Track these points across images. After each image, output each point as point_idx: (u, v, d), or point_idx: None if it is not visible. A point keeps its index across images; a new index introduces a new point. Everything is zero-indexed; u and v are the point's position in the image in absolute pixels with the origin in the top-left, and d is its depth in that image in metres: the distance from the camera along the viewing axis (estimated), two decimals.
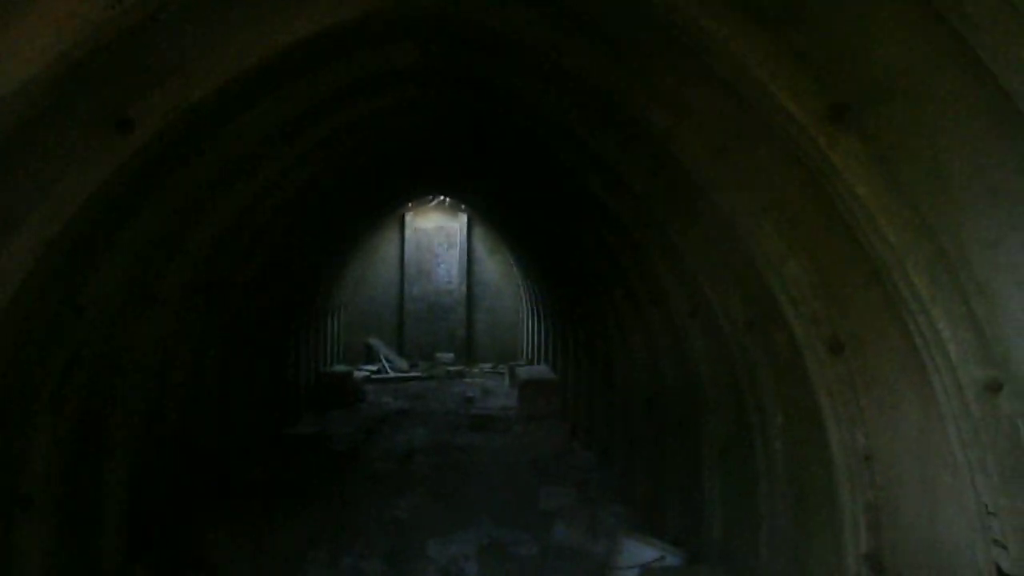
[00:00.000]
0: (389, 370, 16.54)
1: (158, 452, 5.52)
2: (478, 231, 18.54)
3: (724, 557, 5.12)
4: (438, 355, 17.76)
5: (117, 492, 4.67)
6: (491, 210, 14.44)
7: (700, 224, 4.10)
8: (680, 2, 2.28)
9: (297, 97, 4.41)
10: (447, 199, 17.37)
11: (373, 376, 15.82)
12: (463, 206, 17.51)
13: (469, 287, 18.60)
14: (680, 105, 3.17)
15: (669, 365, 6.20)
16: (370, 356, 17.19)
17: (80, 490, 4.27)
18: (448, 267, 18.51)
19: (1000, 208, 2.08)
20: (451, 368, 16.99)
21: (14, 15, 1.93)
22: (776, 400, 4.22)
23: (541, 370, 13.65)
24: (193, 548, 5.68)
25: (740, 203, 3.33)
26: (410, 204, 17.44)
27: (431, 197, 17.16)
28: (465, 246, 18.55)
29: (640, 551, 5.62)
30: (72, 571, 4.17)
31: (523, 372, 13.68)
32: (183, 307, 5.35)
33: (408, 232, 18.40)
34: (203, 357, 6.55)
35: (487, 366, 17.58)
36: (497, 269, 18.65)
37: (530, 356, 16.60)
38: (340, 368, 14.53)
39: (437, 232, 18.47)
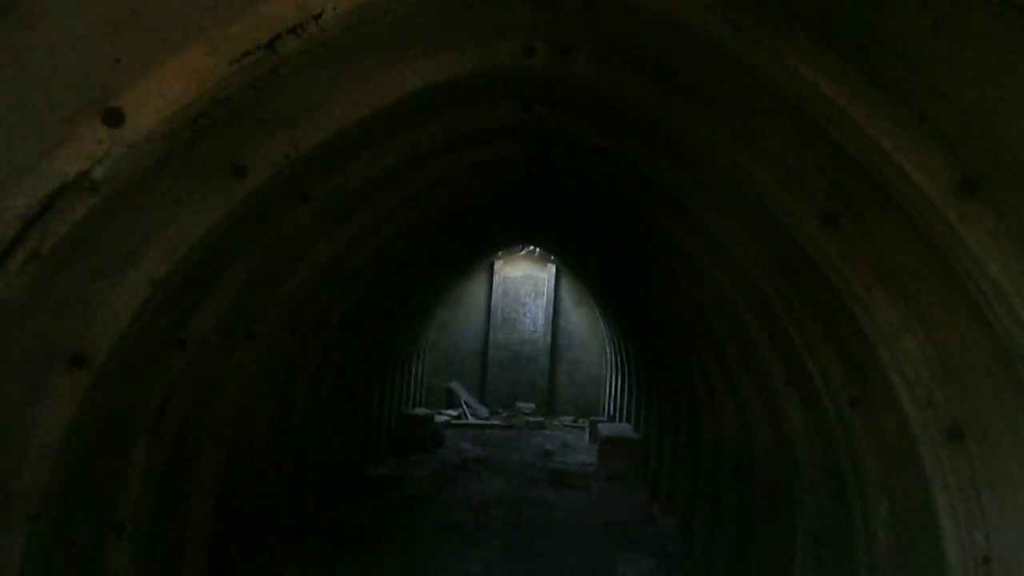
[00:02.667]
0: (469, 416, 16.53)
1: (240, 485, 5.62)
2: (565, 282, 18.51)
3: None
4: (519, 404, 17.65)
5: (201, 522, 4.76)
6: (579, 262, 14.38)
7: (807, 294, 3.90)
8: (798, 66, 2.19)
9: (399, 148, 4.52)
10: (536, 249, 17.47)
11: (453, 421, 15.84)
12: (552, 257, 17.55)
13: (553, 338, 18.51)
14: (789, 171, 3.04)
15: (761, 435, 5.89)
16: (451, 401, 17.25)
17: (168, 519, 4.37)
18: (534, 316, 18.51)
19: None
20: (531, 418, 16.83)
21: (145, 71, 2.03)
22: (881, 487, 3.90)
23: (623, 428, 13.31)
24: None
25: (851, 274, 3.14)
26: (499, 253, 17.62)
27: (521, 247, 17.30)
28: (552, 296, 18.53)
29: None
30: None
31: (604, 428, 13.37)
32: (275, 345, 5.49)
33: (496, 280, 18.55)
34: (290, 395, 6.70)
35: (567, 419, 17.32)
36: (582, 321, 18.51)
37: (612, 412, 16.25)
38: (421, 411, 14.62)
39: (525, 281, 18.55)
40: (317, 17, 2.09)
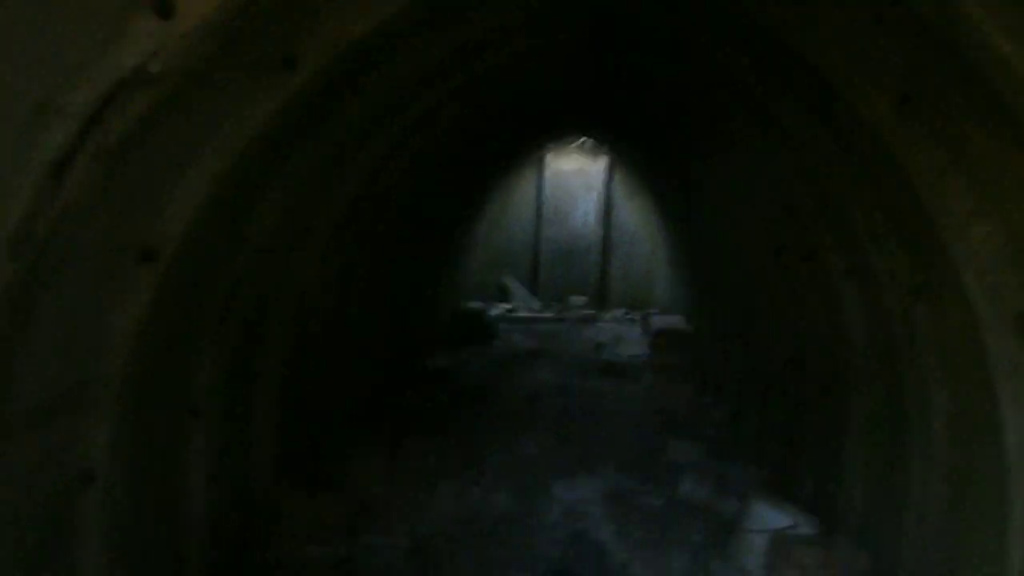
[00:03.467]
0: (522, 309, 16.78)
1: (304, 376, 5.90)
2: (618, 175, 18.15)
3: (862, 534, 4.85)
4: (571, 298, 17.79)
5: (269, 406, 5.04)
6: (633, 154, 14.06)
7: (875, 179, 3.75)
8: None
9: (448, 39, 4.40)
10: (588, 141, 17.08)
11: (506, 314, 16.11)
12: (604, 148, 17.16)
13: (606, 231, 18.37)
14: (859, 47, 2.85)
15: (816, 326, 5.84)
16: (504, 295, 17.48)
17: (238, 405, 4.64)
18: (585, 210, 18.33)
19: None
20: (583, 311, 16.99)
21: None
22: (941, 377, 3.86)
23: (674, 320, 13.36)
24: (332, 467, 6.08)
25: (923, 158, 3.00)
26: (550, 145, 17.30)
27: (572, 139, 16.93)
28: (604, 190, 18.25)
29: (771, 515, 5.44)
30: (232, 477, 4.57)
31: (656, 321, 13.47)
32: (333, 241, 5.60)
33: (547, 173, 18.31)
34: (348, 289, 6.88)
35: (619, 312, 17.43)
36: (635, 215, 18.26)
37: (664, 305, 16.28)
38: (475, 305, 14.89)
39: (576, 174, 18.27)
40: None
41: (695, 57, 4.70)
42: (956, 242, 3.03)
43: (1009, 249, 2.98)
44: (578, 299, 17.74)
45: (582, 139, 16.87)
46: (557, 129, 13.91)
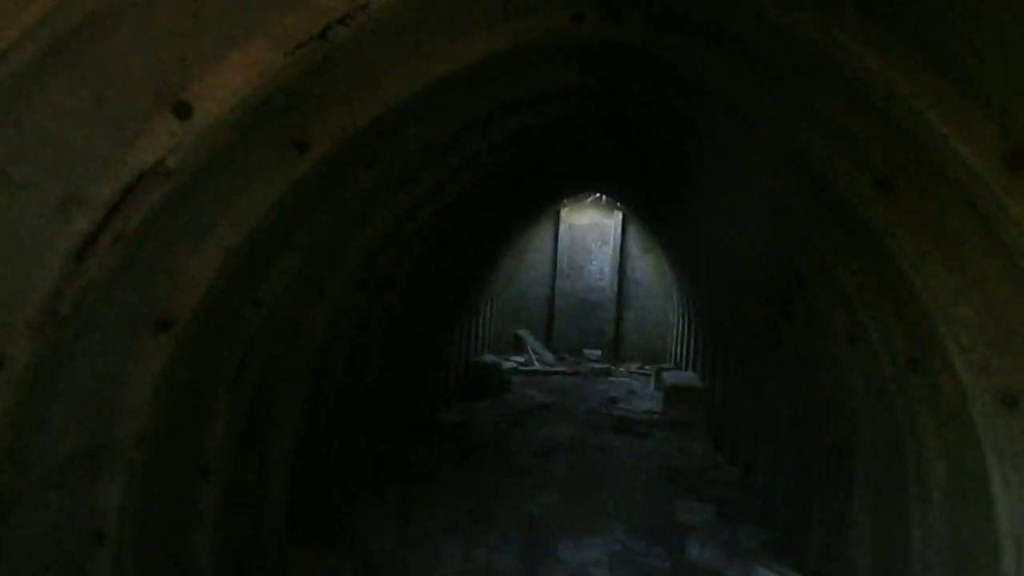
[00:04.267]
0: (536, 363, 16.83)
1: (316, 433, 6.01)
2: (632, 229, 18.36)
3: None
4: (585, 351, 17.83)
5: (280, 464, 5.14)
6: (646, 210, 14.25)
7: (862, 252, 3.86)
8: (841, 38, 2.17)
9: (458, 115, 4.62)
10: (603, 197, 17.35)
11: (520, 368, 16.17)
12: (618, 204, 17.40)
13: (620, 285, 18.50)
14: (843, 136, 3.00)
15: (822, 390, 5.88)
16: (518, 347, 17.57)
17: (250, 462, 4.75)
18: (600, 264, 18.49)
19: None
20: (597, 365, 17.01)
21: (209, 67, 2.19)
22: (938, 448, 3.90)
23: (688, 376, 13.34)
24: (341, 524, 6.13)
25: (906, 237, 3.11)
26: (566, 200, 17.58)
27: (587, 194, 17.21)
28: (618, 244, 18.44)
29: None
30: (241, 535, 4.65)
31: (669, 377, 13.44)
32: (345, 301, 5.77)
33: (562, 228, 18.56)
34: (361, 345, 7.03)
35: (633, 366, 17.43)
36: (649, 269, 18.39)
37: (678, 360, 16.26)
38: (489, 358, 14.98)
39: (591, 229, 18.50)
40: (364, 7, 2.19)
41: (696, 131, 4.88)
42: (941, 320, 3.11)
43: (994, 329, 3.06)
44: (592, 353, 17.78)
45: (597, 195, 17.14)
46: (573, 186, 14.17)
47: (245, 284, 3.87)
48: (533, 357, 17.07)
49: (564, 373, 16.29)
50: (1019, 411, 3.06)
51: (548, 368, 16.59)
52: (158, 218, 2.55)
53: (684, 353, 15.41)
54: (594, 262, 18.48)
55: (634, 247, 18.52)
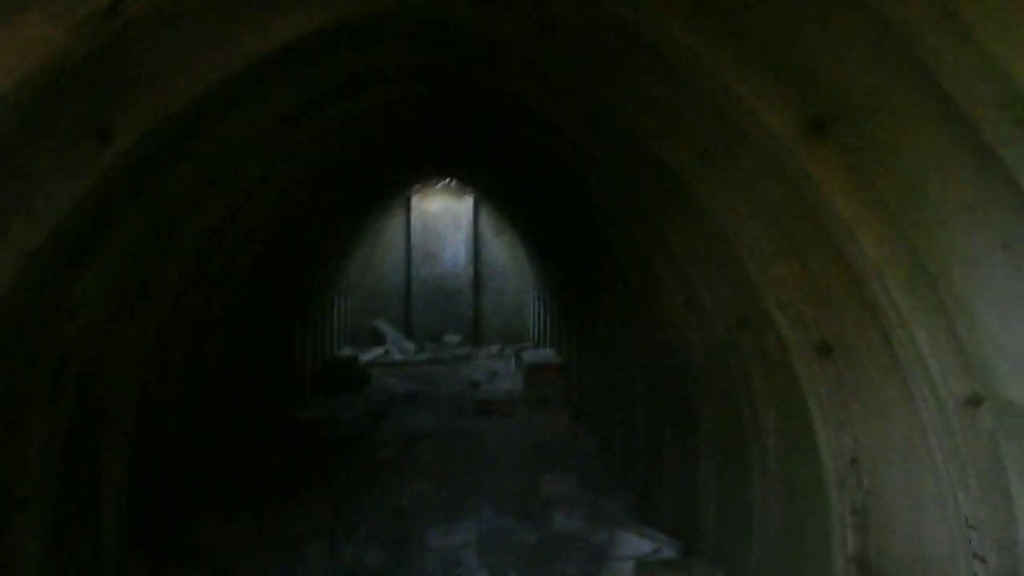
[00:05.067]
0: (396, 353, 16.62)
1: (158, 445, 5.59)
2: (485, 212, 18.48)
3: (718, 550, 5.14)
4: (445, 337, 17.82)
5: (115, 487, 4.73)
6: (497, 192, 14.39)
7: (690, 221, 4.07)
8: (655, 17, 2.24)
9: (288, 95, 4.39)
10: (453, 181, 17.32)
11: (380, 359, 15.90)
12: (469, 188, 17.45)
13: (476, 269, 18.60)
14: (663, 109, 3.12)
15: (666, 356, 6.19)
16: (377, 339, 17.27)
17: (78, 487, 4.33)
18: (455, 249, 18.50)
19: (977, 225, 2.04)
20: (458, 351, 17.05)
21: None
22: (768, 398, 4.21)
23: (546, 354, 13.67)
24: (193, 539, 5.76)
25: (727, 205, 3.30)
26: (417, 187, 17.40)
27: (437, 180, 17.11)
28: (472, 228, 18.51)
29: (637, 542, 5.67)
30: (71, 567, 4.24)
31: (528, 356, 13.72)
32: (179, 299, 5.38)
33: (414, 215, 18.37)
34: (203, 346, 6.60)
35: (494, 348, 17.62)
36: (504, 251, 18.62)
37: (537, 339, 16.63)
38: (347, 352, 14.61)
39: (444, 214, 18.44)
40: None
41: (533, 112, 4.94)
42: (762, 281, 3.33)
43: (807, 285, 3.32)
44: (452, 338, 17.80)
45: (448, 180, 17.09)
46: (423, 171, 14.03)
47: (54, 291, 3.49)
48: (393, 348, 16.84)
49: (426, 361, 16.20)
50: (831, 359, 3.35)
51: (409, 357, 16.44)
52: None
53: (542, 331, 15.78)
54: (448, 248, 18.45)
55: (488, 230, 18.67)
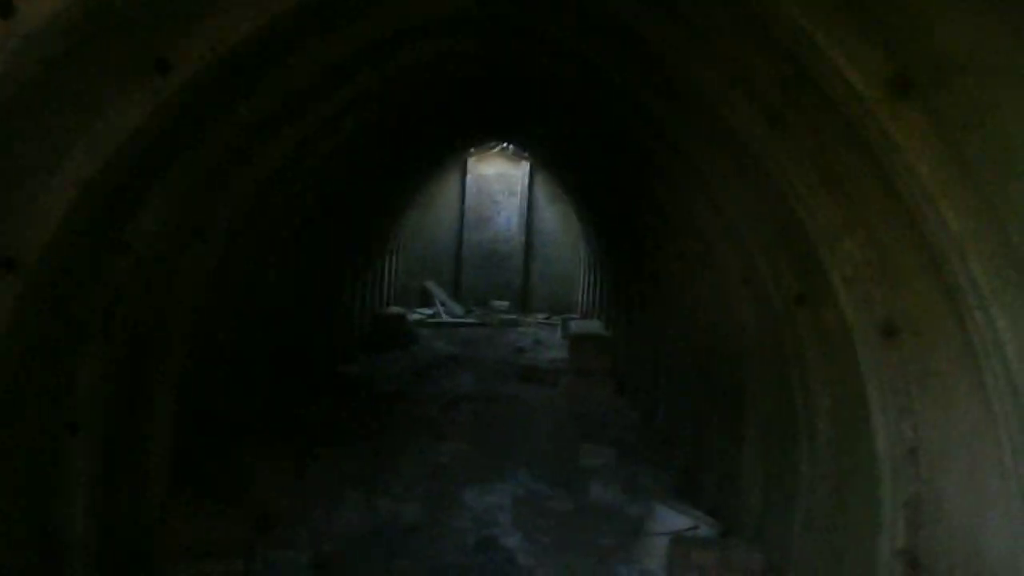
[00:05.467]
0: (444, 315, 16.70)
1: (209, 387, 5.70)
2: (539, 179, 18.30)
3: (758, 533, 5.01)
4: (493, 302, 17.82)
5: (163, 424, 4.84)
6: (553, 159, 14.20)
7: (753, 191, 3.88)
8: None
9: (350, 39, 4.32)
10: (510, 146, 17.16)
11: (428, 320, 16.01)
12: (526, 153, 17.27)
13: (528, 236, 18.49)
14: (736, 69, 2.95)
15: (718, 332, 6.02)
16: (426, 300, 17.37)
17: (127, 419, 4.43)
18: (508, 215, 18.40)
19: None
20: (505, 316, 17.04)
21: None
22: (823, 380, 4.03)
23: (593, 325, 13.54)
24: (238, 478, 5.89)
25: (796, 174, 3.12)
26: (472, 150, 17.30)
27: (493, 144, 16.98)
28: (526, 194, 18.37)
29: (674, 518, 5.57)
30: (119, 495, 4.36)
31: (575, 326, 13.62)
32: (232, 244, 5.43)
33: (469, 178, 18.30)
34: (255, 294, 6.69)
35: (541, 316, 17.57)
36: (557, 219, 18.44)
37: (585, 309, 16.50)
38: (395, 310, 14.73)
39: (498, 179, 18.33)
40: None
41: (601, 74, 4.77)
42: (827, 255, 3.16)
43: (876, 262, 3.13)
44: (500, 303, 17.79)
45: (504, 144, 16.94)
46: (478, 134, 13.92)
47: (109, 224, 3.53)
48: (440, 309, 16.93)
49: (472, 324, 16.25)
50: (896, 341, 3.17)
51: (456, 320, 16.51)
52: None
53: (590, 302, 15.64)
54: (502, 213, 18.37)
55: (541, 198, 18.50)
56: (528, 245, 18.51)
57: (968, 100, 1.96)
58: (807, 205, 3.17)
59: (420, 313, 16.31)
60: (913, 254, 2.76)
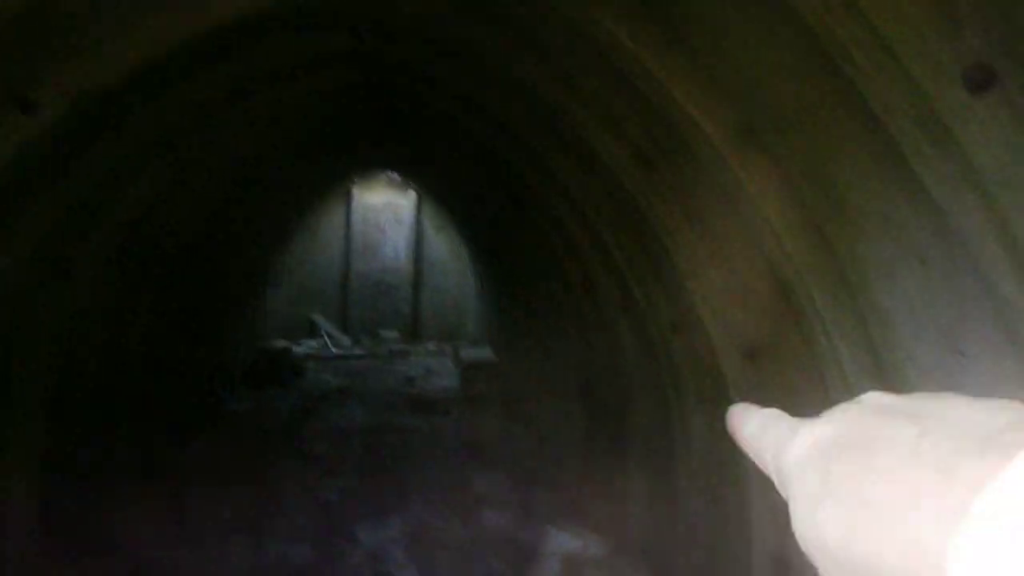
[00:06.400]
0: (332, 346, 16.37)
1: (72, 432, 5.36)
2: (427, 207, 18.34)
3: (645, 549, 5.24)
4: (382, 333, 17.63)
5: (24, 473, 4.52)
6: (439, 188, 14.32)
7: (628, 226, 4.13)
8: (604, 21, 2.27)
9: (227, 76, 4.28)
10: (395, 175, 17.15)
11: (315, 352, 15.64)
12: (411, 182, 17.31)
13: (416, 265, 18.46)
14: (610, 115, 3.17)
15: (601, 355, 6.28)
16: (313, 332, 16.97)
17: None
18: (395, 244, 18.32)
19: (892, 236, 2.14)
20: (395, 346, 16.89)
21: None
22: (696, 401, 4.31)
23: (484, 352, 13.67)
24: (112, 531, 5.55)
25: (665, 212, 3.37)
26: (357, 179, 17.16)
27: (378, 173, 16.91)
28: (413, 223, 18.36)
29: (565, 540, 5.73)
30: None
31: (466, 354, 13.69)
32: (101, 281, 5.18)
33: (355, 207, 18.11)
34: (126, 331, 6.37)
35: (432, 345, 17.53)
36: (445, 247, 18.53)
37: (475, 336, 16.61)
38: (280, 343, 14.32)
39: (385, 208, 18.24)
40: None
41: (479, 107, 4.94)
42: (694, 286, 3.42)
43: (737, 291, 3.41)
44: (389, 334, 17.62)
45: (388, 172, 16.91)
46: (362, 163, 13.85)
47: None
48: (328, 341, 16.58)
49: (362, 356, 16.01)
50: (756, 363, 3.46)
51: (344, 352, 16.21)
52: None
53: (480, 330, 15.78)
54: (389, 242, 18.26)
55: (429, 226, 18.54)
56: (417, 274, 18.48)
57: (802, 150, 2.22)
58: (675, 241, 3.42)
59: (307, 345, 15.91)
60: (767, 282, 3.05)
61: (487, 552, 6.29)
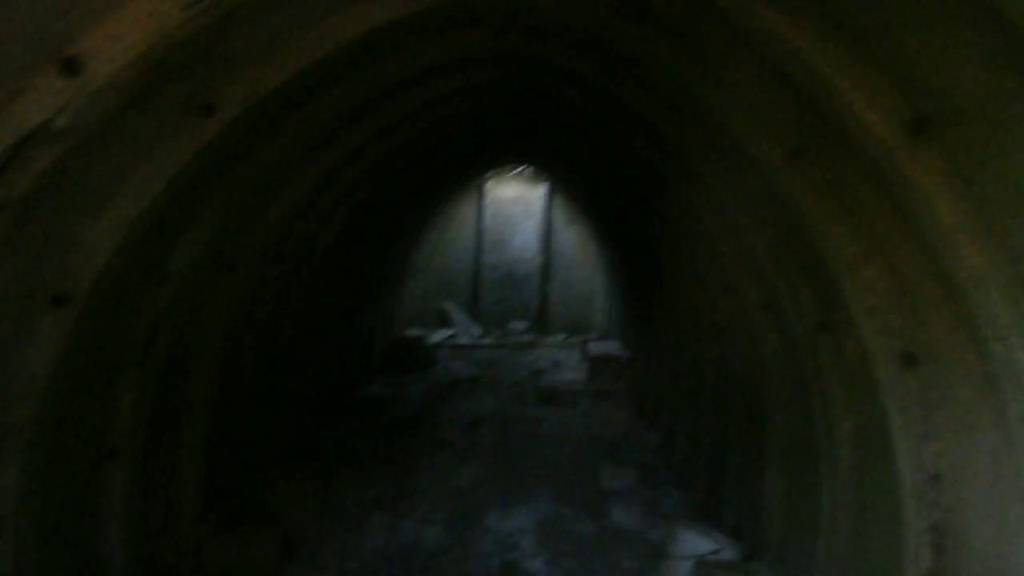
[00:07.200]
0: (462, 336, 16.80)
1: (232, 412, 5.82)
2: (558, 201, 18.41)
3: (780, 557, 5.03)
4: (511, 324, 17.90)
5: (195, 450, 4.96)
6: (571, 182, 14.33)
7: (774, 221, 3.97)
8: (759, 9, 2.19)
9: (378, 77, 4.48)
10: (527, 169, 17.32)
11: (446, 341, 16.11)
12: (544, 176, 17.42)
13: (546, 257, 18.59)
14: (753, 105, 3.05)
15: (738, 355, 6.07)
16: (444, 321, 17.49)
17: (161, 443, 4.56)
18: (525, 237, 18.52)
19: None
20: (523, 338, 17.11)
21: (100, 19, 2.03)
22: (844, 406, 4.08)
23: (612, 346, 13.58)
24: (264, 504, 5.99)
25: (815, 205, 3.21)
26: (490, 173, 17.48)
27: (511, 167, 17.14)
28: (543, 216, 18.49)
29: (696, 541, 5.60)
30: (154, 516, 4.48)
31: (594, 347, 13.65)
32: (260, 273, 5.58)
33: (487, 201, 18.46)
34: (279, 320, 6.83)
35: (559, 337, 17.61)
36: (574, 240, 18.53)
37: (603, 329, 16.54)
38: (414, 332, 14.86)
39: (516, 201, 18.47)
40: None
41: (616, 100, 4.89)
42: (847, 284, 3.23)
43: (896, 291, 3.20)
44: (519, 325, 17.86)
45: (521, 167, 17.10)
46: (496, 158, 14.09)
47: (151, 257, 3.67)
48: (459, 330, 17.03)
49: (491, 346, 16.33)
50: (916, 370, 3.23)
51: (475, 341, 16.60)
52: (49, 185, 2.38)
53: (608, 323, 15.68)
54: (519, 235, 18.48)
55: (560, 219, 18.61)
56: (546, 266, 18.60)
57: (982, 141, 2.04)
58: (825, 236, 3.25)
59: (439, 335, 16.42)
60: (933, 285, 2.84)
61: (615, 548, 6.27)
